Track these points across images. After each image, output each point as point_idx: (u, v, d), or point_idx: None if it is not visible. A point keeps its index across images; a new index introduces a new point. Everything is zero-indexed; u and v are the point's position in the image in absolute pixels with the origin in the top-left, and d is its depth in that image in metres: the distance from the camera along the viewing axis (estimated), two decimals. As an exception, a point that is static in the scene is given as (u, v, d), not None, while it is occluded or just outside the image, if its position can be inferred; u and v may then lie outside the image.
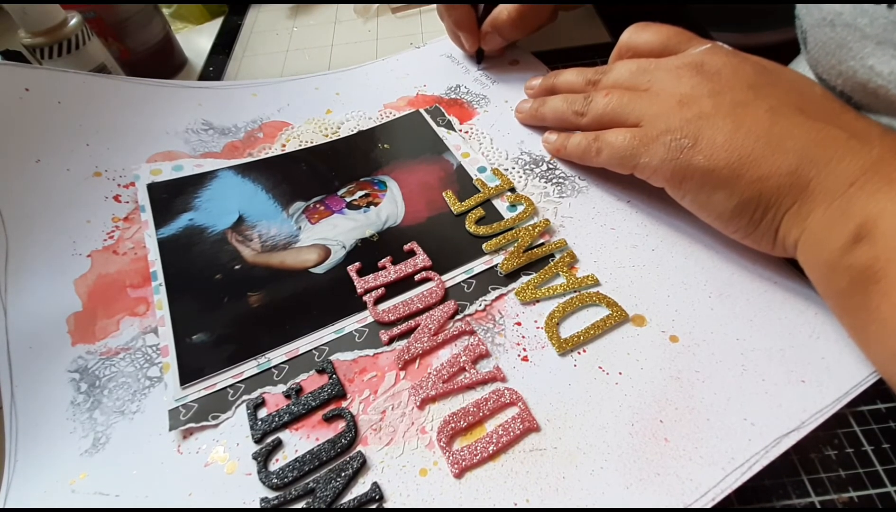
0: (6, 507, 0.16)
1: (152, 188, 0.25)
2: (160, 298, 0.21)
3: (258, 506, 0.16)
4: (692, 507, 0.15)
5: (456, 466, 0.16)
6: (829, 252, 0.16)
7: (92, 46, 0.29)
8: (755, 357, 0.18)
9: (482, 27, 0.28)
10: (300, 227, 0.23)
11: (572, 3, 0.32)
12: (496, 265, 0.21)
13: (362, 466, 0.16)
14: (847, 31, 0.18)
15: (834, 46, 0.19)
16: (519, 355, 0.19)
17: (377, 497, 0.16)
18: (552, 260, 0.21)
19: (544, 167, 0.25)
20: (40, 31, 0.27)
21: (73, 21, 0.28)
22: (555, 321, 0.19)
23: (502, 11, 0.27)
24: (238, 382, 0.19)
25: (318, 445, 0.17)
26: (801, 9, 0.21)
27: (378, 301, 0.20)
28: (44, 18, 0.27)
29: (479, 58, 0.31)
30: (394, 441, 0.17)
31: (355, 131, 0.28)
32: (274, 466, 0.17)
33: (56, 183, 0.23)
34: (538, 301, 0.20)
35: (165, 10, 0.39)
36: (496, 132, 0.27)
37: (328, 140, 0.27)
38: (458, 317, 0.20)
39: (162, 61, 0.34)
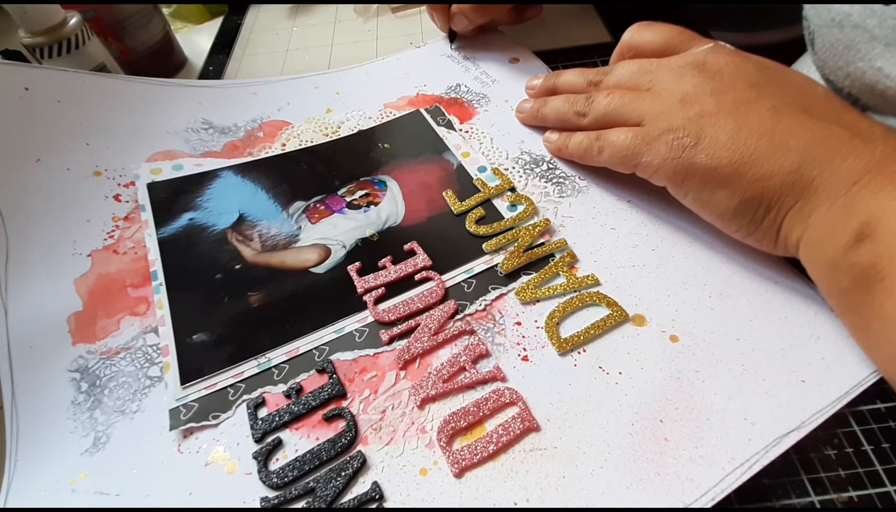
0: (7, 507, 0.16)
1: (152, 187, 0.25)
2: (160, 297, 0.21)
3: (258, 505, 0.16)
4: (692, 506, 0.15)
5: (456, 465, 0.16)
6: (832, 251, 0.16)
7: (92, 46, 0.29)
8: (755, 357, 0.18)
9: (451, 9, 0.30)
10: (300, 227, 0.23)
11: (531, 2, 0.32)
12: (496, 265, 0.21)
13: (362, 465, 0.16)
14: (856, 33, 0.18)
15: (842, 48, 0.19)
16: (519, 355, 0.19)
17: (377, 496, 0.16)
18: (552, 260, 0.21)
19: (545, 167, 0.25)
20: (40, 30, 0.27)
21: (73, 21, 0.28)
22: (555, 321, 0.19)
23: None
24: (238, 382, 0.19)
25: (319, 445, 0.17)
26: (808, 9, 0.21)
27: (378, 301, 0.20)
28: (43, 18, 0.27)
29: (451, 38, 0.32)
30: (394, 441, 0.17)
31: (355, 131, 0.28)
32: (274, 465, 0.17)
33: (56, 182, 0.23)
34: (538, 301, 0.20)
35: (165, 10, 0.39)
36: (496, 132, 0.27)
37: (328, 139, 0.27)
38: (458, 316, 0.20)
39: (162, 61, 0.34)
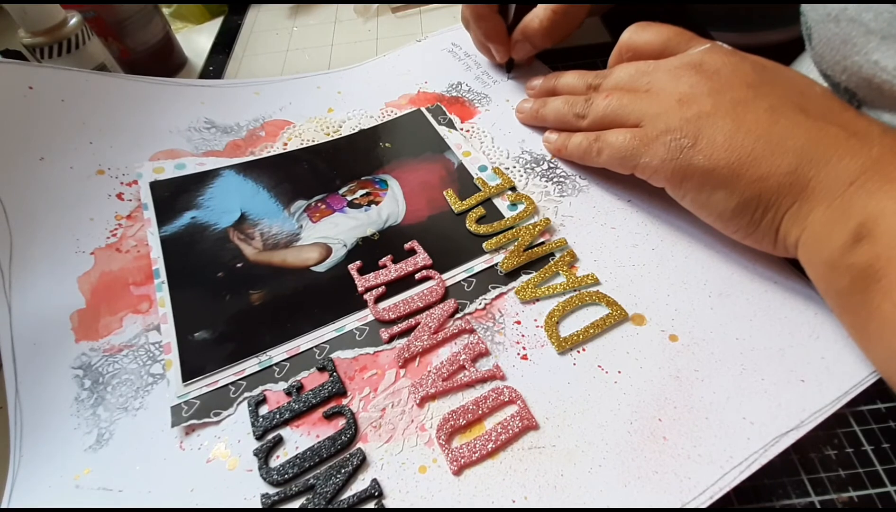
0: (11, 506, 0.16)
1: (155, 186, 0.25)
2: (163, 295, 0.21)
3: (259, 502, 0.16)
4: (690, 505, 0.15)
5: (455, 463, 0.16)
6: (830, 251, 0.16)
7: (92, 46, 0.29)
8: (755, 356, 0.18)
9: (512, 36, 0.27)
10: (301, 226, 0.24)
11: (595, 2, 0.30)
12: (496, 264, 0.21)
13: (362, 462, 0.16)
14: (852, 27, 0.18)
15: (838, 42, 0.19)
16: (518, 354, 0.19)
17: (376, 494, 0.16)
18: (552, 259, 0.21)
19: (545, 166, 0.25)
20: (40, 30, 0.27)
21: (73, 21, 0.28)
22: (554, 320, 0.19)
23: (533, 20, 0.26)
24: (240, 380, 0.19)
25: (319, 442, 0.17)
26: (806, 6, 0.21)
27: (378, 299, 0.21)
28: (44, 18, 0.27)
29: (509, 68, 0.29)
30: (393, 438, 0.17)
31: (357, 130, 0.28)
32: (275, 462, 0.17)
33: (60, 181, 0.24)
34: (538, 300, 0.20)
35: (165, 10, 0.39)
36: (497, 131, 0.27)
37: (330, 139, 0.28)
38: (458, 315, 0.20)
39: (162, 61, 0.34)
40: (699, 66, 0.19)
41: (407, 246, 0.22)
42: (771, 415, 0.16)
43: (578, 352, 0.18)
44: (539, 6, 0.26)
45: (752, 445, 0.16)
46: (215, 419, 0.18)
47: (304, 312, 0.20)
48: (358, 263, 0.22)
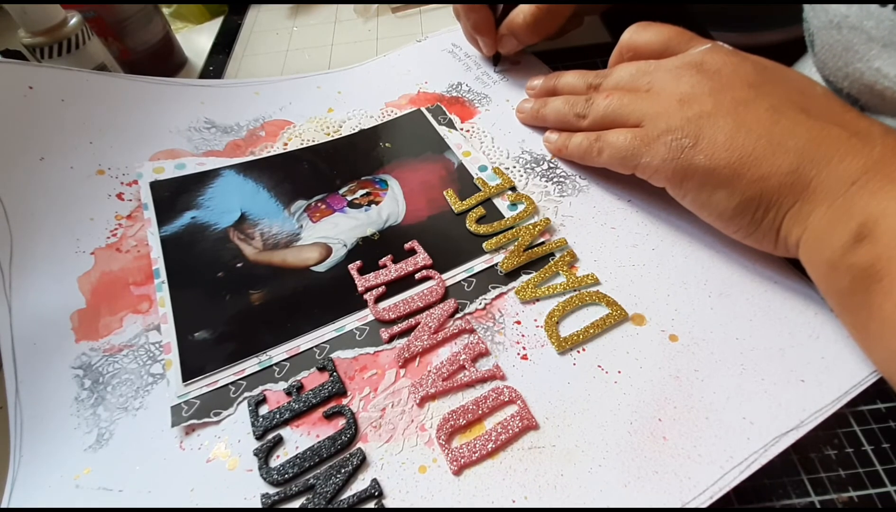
0: (11, 506, 0.16)
1: (155, 186, 0.25)
2: (163, 295, 0.21)
3: (259, 501, 0.16)
4: (690, 505, 0.15)
5: (455, 463, 0.16)
6: (831, 251, 0.16)
7: (92, 46, 0.29)
8: (755, 356, 0.18)
9: (499, 30, 0.28)
10: (302, 226, 0.24)
11: (591, 2, 0.30)
12: (496, 264, 0.21)
13: (362, 462, 0.16)
14: (853, 34, 0.18)
15: (840, 49, 0.19)
16: (518, 354, 0.19)
17: (376, 494, 0.16)
18: (552, 259, 0.21)
19: (545, 166, 0.25)
20: (40, 30, 0.27)
21: (73, 21, 0.28)
22: (554, 320, 0.19)
23: (518, 15, 0.27)
24: (240, 379, 0.19)
25: (319, 442, 0.17)
26: (808, 11, 0.21)
27: (379, 299, 0.21)
28: (44, 18, 0.27)
29: (495, 61, 0.30)
30: (393, 438, 0.17)
31: (357, 130, 0.28)
32: (275, 462, 0.17)
33: (60, 181, 0.24)
34: (538, 300, 0.20)
35: (165, 10, 0.39)
36: (497, 131, 0.27)
37: (330, 139, 0.28)
38: (458, 315, 0.20)
39: (162, 61, 0.34)
40: (700, 65, 0.19)
41: (407, 246, 0.22)
42: (771, 415, 0.16)
43: (578, 352, 0.18)
44: (524, 4, 0.26)
45: (752, 445, 0.16)
46: (215, 419, 0.18)
47: (304, 311, 0.20)
48: (358, 262, 0.22)
